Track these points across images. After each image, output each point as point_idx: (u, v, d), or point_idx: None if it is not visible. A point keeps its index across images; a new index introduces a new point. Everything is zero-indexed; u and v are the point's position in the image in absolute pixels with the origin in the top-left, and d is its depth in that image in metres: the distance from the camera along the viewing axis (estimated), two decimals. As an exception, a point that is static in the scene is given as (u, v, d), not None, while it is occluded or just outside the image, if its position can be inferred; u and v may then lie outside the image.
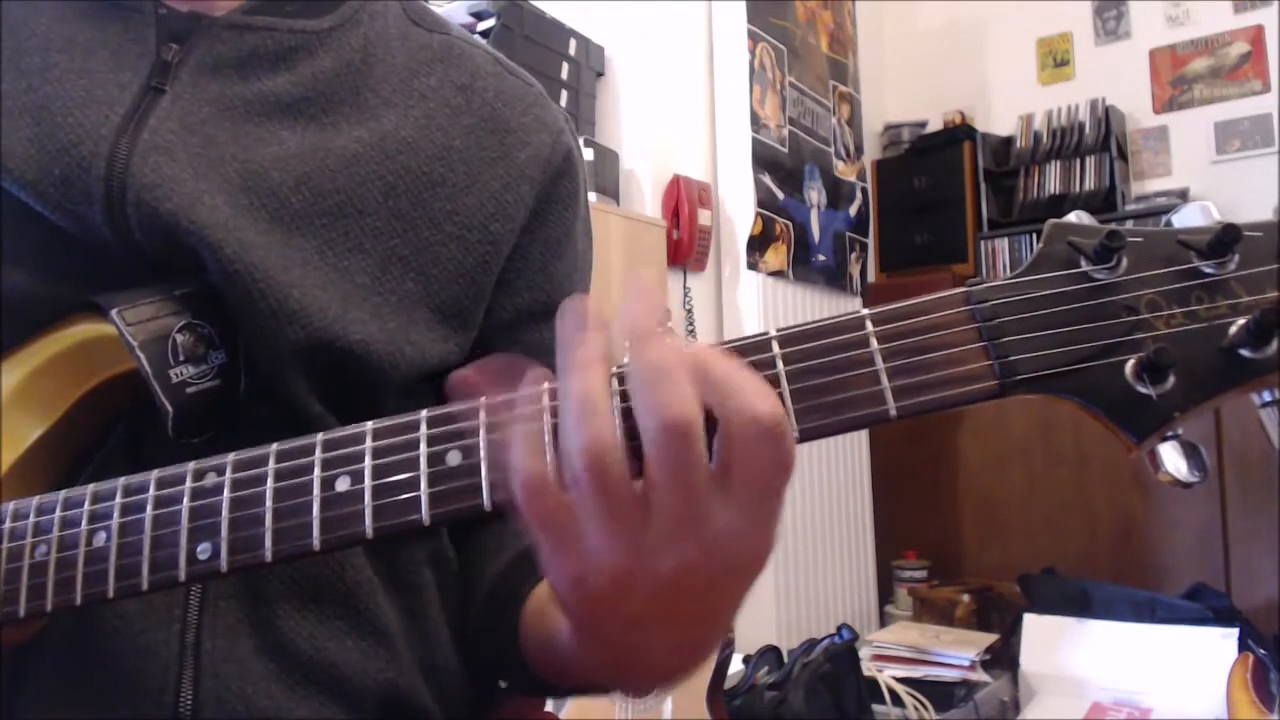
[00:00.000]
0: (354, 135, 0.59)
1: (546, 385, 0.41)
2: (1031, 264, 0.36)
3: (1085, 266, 0.34)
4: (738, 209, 2.63)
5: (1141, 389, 0.32)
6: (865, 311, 0.37)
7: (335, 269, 0.57)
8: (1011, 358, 0.35)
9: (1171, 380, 0.32)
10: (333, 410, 0.57)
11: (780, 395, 0.37)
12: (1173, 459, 0.32)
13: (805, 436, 0.37)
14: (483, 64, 0.67)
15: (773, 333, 0.38)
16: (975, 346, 0.35)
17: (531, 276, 0.66)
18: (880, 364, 0.36)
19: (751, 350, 0.38)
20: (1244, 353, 0.31)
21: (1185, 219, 0.34)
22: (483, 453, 0.40)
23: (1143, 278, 0.33)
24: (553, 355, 0.67)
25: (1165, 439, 0.32)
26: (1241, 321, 0.31)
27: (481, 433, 0.40)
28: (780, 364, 0.38)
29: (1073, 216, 0.35)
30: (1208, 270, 0.33)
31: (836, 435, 0.38)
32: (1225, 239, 0.32)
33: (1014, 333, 0.35)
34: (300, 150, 0.58)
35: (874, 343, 0.36)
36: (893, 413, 0.36)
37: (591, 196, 2.12)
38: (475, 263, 0.62)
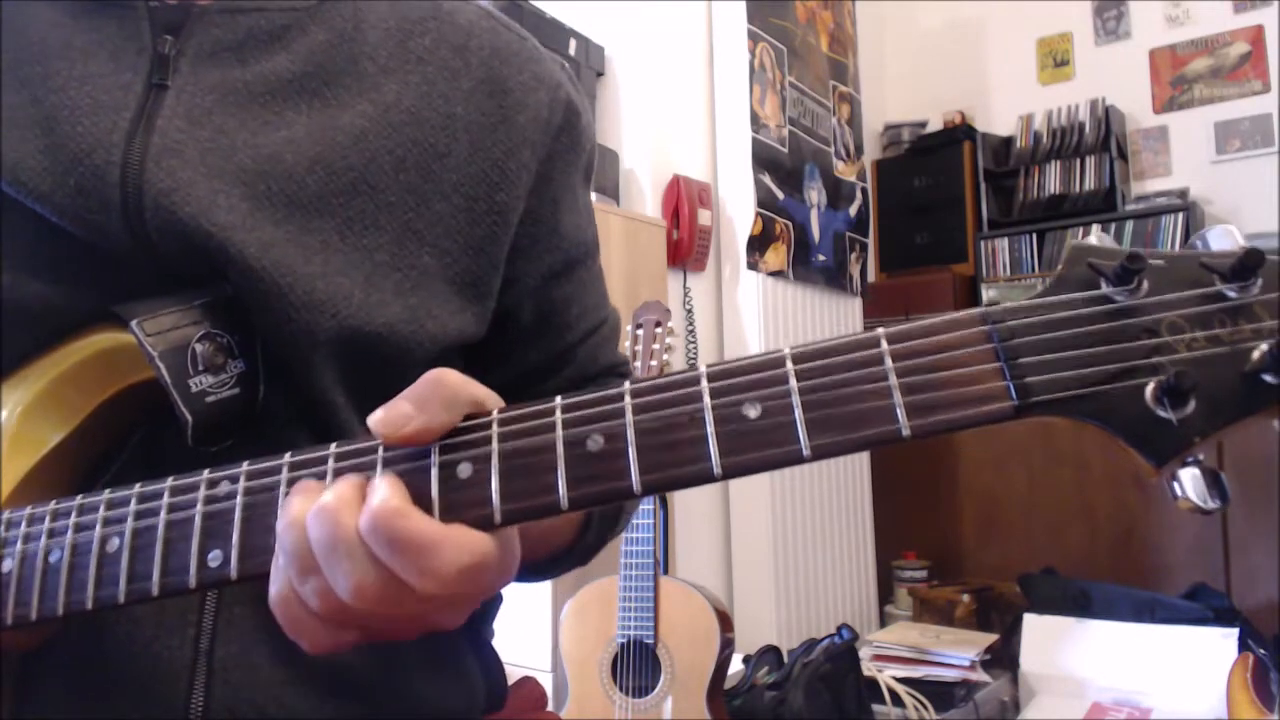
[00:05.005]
0: (359, 110, 0.59)
1: (560, 400, 0.40)
2: (1051, 286, 0.35)
3: (1105, 289, 0.34)
4: (738, 209, 2.62)
5: (1161, 413, 0.32)
6: (880, 331, 0.37)
7: (356, 248, 0.57)
8: (1028, 379, 0.34)
9: (1192, 404, 0.32)
10: (355, 397, 0.57)
11: (792, 410, 0.37)
12: (1193, 486, 0.32)
13: (817, 455, 0.37)
14: (476, 20, 0.67)
15: (786, 350, 0.38)
16: (991, 367, 0.35)
17: (547, 239, 0.67)
18: (894, 383, 0.36)
19: (765, 367, 0.38)
20: (1266, 378, 0.31)
21: (1208, 242, 0.33)
22: (494, 465, 0.40)
23: (1164, 300, 0.33)
24: (575, 306, 0.68)
25: (1185, 464, 0.32)
26: (1265, 346, 0.31)
27: (494, 445, 0.40)
28: (793, 380, 0.37)
29: (1093, 239, 0.34)
30: (1230, 294, 0.32)
31: (849, 454, 0.37)
32: (1249, 263, 0.31)
33: (1031, 354, 0.34)
34: (309, 130, 0.57)
35: (888, 361, 0.36)
36: (906, 432, 0.35)
37: (592, 196, 2.11)
38: (484, 234, 0.62)
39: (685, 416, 0.38)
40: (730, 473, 0.38)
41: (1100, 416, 0.33)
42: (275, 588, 0.42)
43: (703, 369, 0.39)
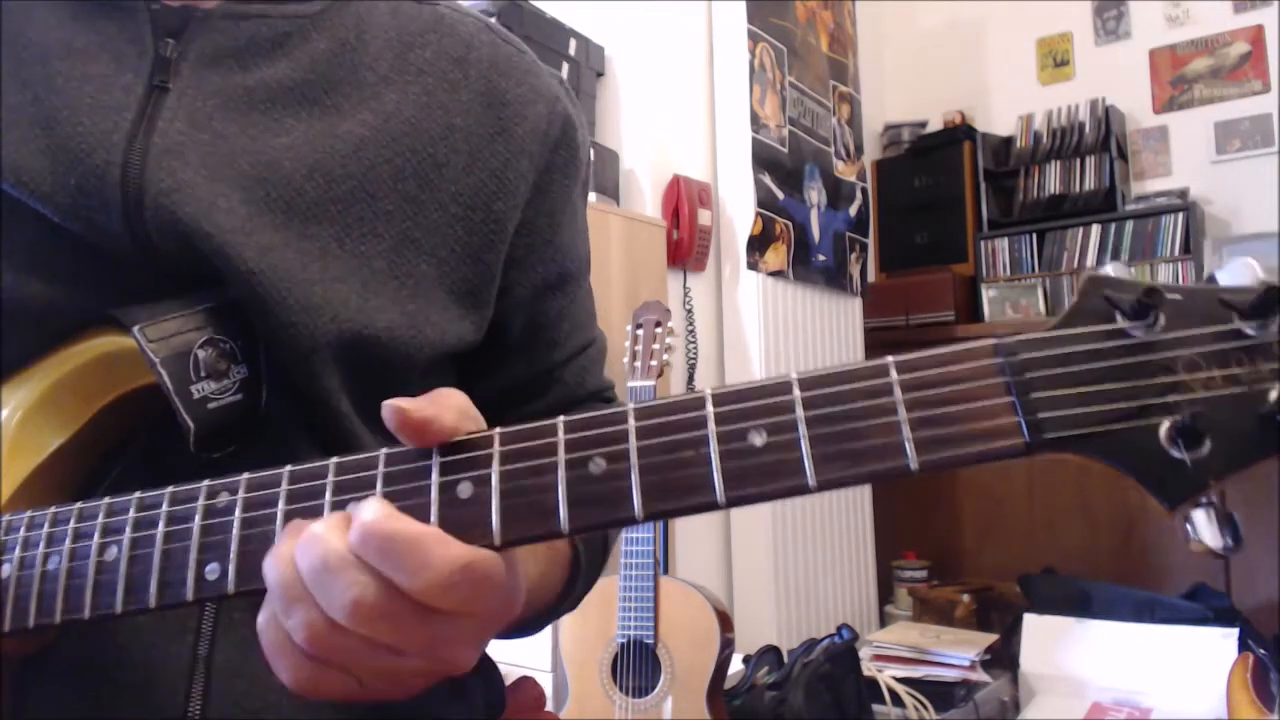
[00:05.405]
0: (359, 119, 0.59)
1: (562, 419, 0.40)
2: (1065, 318, 0.34)
3: (1121, 323, 0.33)
4: (738, 209, 2.61)
5: (1175, 454, 0.31)
6: (889, 359, 0.36)
7: (353, 256, 0.57)
8: (1040, 415, 0.33)
9: (1207, 445, 0.31)
10: (358, 404, 0.57)
11: (798, 441, 0.36)
12: (1205, 529, 0.31)
13: (823, 486, 0.36)
14: (475, 32, 0.67)
15: (794, 375, 0.37)
16: (1002, 402, 0.34)
17: (542, 250, 0.67)
18: (903, 416, 0.35)
19: (772, 393, 0.37)
20: (1284, 419, 0.30)
21: (1228, 276, 0.32)
22: (494, 486, 0.40)
23: (1181, 337, 0.32)
24: (567, 321, 0.68)
25: (1199, 505, 0.31)
26: (1284, 387, 0.30)
27: (495, 466, 0.40)
28: (800, 408, 0.37)
29: (1110, 269, 0.34)
30: (1250, 332, 0.31)
31: (855, 486, 0.37)
32: (1269, 299, 0.31)
33: (1043, 389, 0.33)
34: (309, 138, 0.58)
35: (897, 392, 0.35)
36: (913, 466, 0.35)
37: (591, 197, 2.11)
38: (481, 243, 0.62)
39: (689, 444, 0.38)
40: (734, 503, 0.37)
41: (1113, 455, 0.32)
42: (263, 615, 0.41)
43: (707, 391, 0.38)
